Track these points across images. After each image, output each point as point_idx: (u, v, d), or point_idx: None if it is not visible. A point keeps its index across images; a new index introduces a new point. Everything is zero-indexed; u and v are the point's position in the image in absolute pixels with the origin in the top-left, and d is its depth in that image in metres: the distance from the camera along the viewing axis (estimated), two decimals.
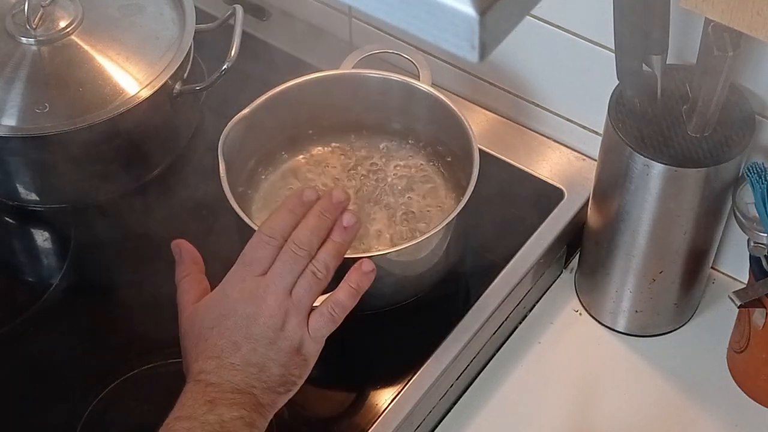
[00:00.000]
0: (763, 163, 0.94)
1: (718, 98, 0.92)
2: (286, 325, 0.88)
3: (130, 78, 1.08)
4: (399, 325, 1.05)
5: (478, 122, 1.20)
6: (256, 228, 0.98)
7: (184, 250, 0.96)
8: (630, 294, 1.07)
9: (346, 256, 0.99)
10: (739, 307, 0.96)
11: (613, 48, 0.92)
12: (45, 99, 1.06)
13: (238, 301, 0.88)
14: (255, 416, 0.84)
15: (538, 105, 1.19)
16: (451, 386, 1.04)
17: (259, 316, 0.87)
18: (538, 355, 1.09)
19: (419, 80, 1.11)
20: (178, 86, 1.11)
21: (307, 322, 0.89)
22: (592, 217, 1.08)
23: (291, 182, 1.10)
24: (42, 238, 1.15)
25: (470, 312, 1.04)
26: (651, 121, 0.96)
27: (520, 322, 1.11)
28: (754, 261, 0.98)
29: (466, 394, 1.06)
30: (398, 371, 1.01)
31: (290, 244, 0.89)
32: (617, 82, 0.96)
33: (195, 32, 1.12)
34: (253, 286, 0.88)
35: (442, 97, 1.09)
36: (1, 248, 1.15)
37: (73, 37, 1.09)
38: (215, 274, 1.10)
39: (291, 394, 0.89)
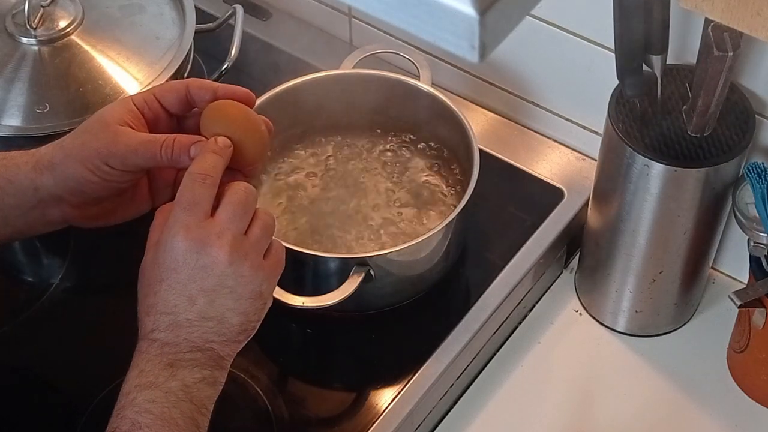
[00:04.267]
0: (763, 163, 0.94)
1: (718, 98, 0.92)
2: (244, 271, 0.81)
3: (130, 78, 1.08)
4: (399, 325, 1.05)
5: (478, 122, 1.20)
6: None
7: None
8: (630, 294, 1.07)
9: (346, 256, 1.00)
10: (739, 307, 0.96)
11: (613, 48, 0.92)
12: (45, 99, 1.06)
13: (187, 251, 0.80)
14: (217, 373, 0.81)
15: (538, 105, 1.19)
16: (451, 386, 1.04)
17: (214, 265, 0.80)
18: (538, 355, 1.09)
19: (419, 80, 1.11)
20: None
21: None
22: (592, 217, 1.08)
23: (291, 182, 1.10)
24: (42, 238, 1.15)
25: (470, 312, 1.04)
26: (651, 121, 0.96)
27: (520, 322, 1.11)
28: (754, 261, 0.98)
29: (466, 394, 1.06)
30: (398, 371, 1.01)
31: (237, 187, 0.82)
32: (617, 82, 0.96)
33: (195, 32, 1.12)
34: (203, 234, 0.80)
35: (442, 97, 1.09)
36: (1, 248, 1.15)
37: (73, 37, 1.09)
38: None
39: (248, 340, 0.85)
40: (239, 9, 1.15)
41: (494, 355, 1.09)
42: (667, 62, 0.94)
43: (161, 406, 0.78)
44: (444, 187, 1.10)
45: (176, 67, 1.09)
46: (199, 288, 0.80)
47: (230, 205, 0.81)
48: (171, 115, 0.90)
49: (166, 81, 1.08)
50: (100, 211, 0.92)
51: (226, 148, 0.85)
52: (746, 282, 1.03)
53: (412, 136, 1.13)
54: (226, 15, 1.17)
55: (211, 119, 0.88)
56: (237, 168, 0.89)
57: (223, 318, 0.81)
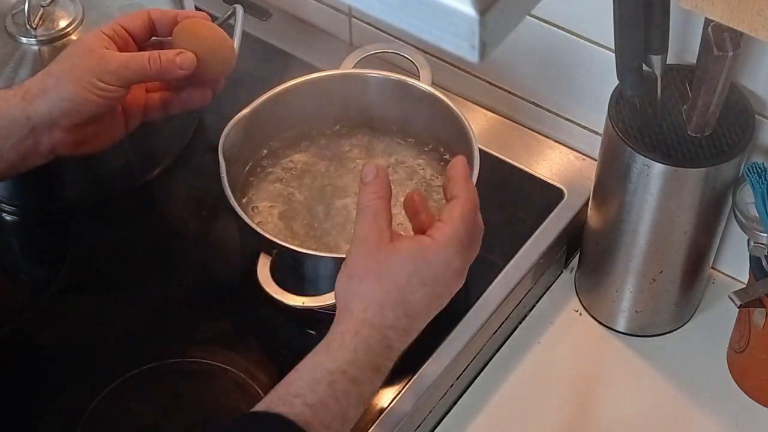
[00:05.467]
0: (763, 163, 0.94)
1: (718, 98, 0.92)
2: (458, 284, 0.86)
3: None
4: None
5: (478, 122, 1.20)
6: (256, 228, 0.98)
7: (381, 171, 0.88)
8: (630, 294, 1.07)
9: (344, 255, 0.99)
10: (739, 307, 0.96)
11: (613, 48, 0.92)
12: None
13: (455, 275, 0.84)
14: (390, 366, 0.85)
15: (538, 105, 1.19)
16: (451, 386, 1.04)
17: (453, 293, 0.86)
18: (538, 355, 1.09)
19: (419, 80, 1.11)
20: None
21: None
22: (592, 217, 1.08)
23: (291, 182, 1.10)
24: (42, 238, 1.15)
25: (470, 312, 1.04)
26: (651, 121, 0.96)
27: (520, 322, 1.11)
28: (754, 261, 0.98)
29: (466, 394, 1.06)
30: (398, 371, 1.01)
31: (467, 207, 0.87)
32: (617, 82, 0.96)
33: None
34: (465, 265, 0.86)
35: (442, 97, 1.09)
36: (1, 248, 1.15)
37: (73, 37, 1.09)
38: (216, 274, 1.11)
39: None
40: (239, 9, 1.15)
41: (494, 355, 1.09)
42: (667, 62, 0.94)
43: (350, 402, 0.80)
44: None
45: None
46: (437, 306, 0.85)
47: (471, 224, 0.86)
48: (136, 43, 0.99)
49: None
50: (86, 136, 0.98)
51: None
52: (746, 282, 1.03)
53: (411, 137, 1.13)
54: (226, 15, 1.16)
55: (181, 37, 0.98)
56: (203, 82, 1.01)
57: (420, 326, 0.85)
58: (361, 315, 0.82)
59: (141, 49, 1.00)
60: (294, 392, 0.79)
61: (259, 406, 0.79)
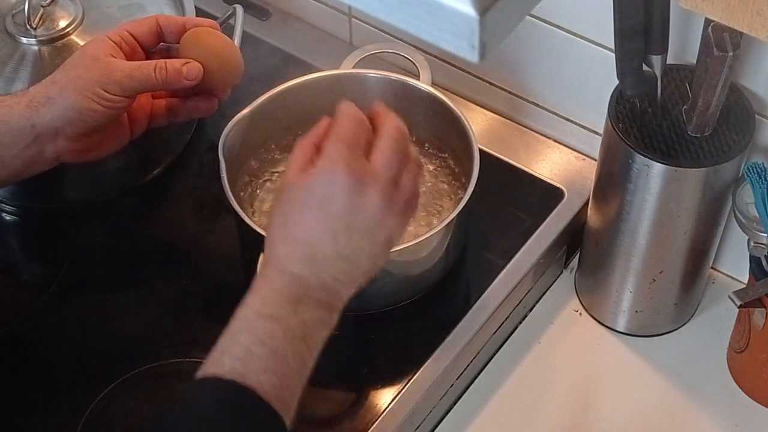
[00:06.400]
0: (763, 163, 0.94)
1: (718, 98, 0.92)
2: (389, 218, 0.81)
3: None
4: (399, 325, 1.05)
5: (478, 122, 1.20)
6: (256, 228, 0.98)
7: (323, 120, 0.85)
8: (630, 294, 1.07)
9: None
10: (739, 307, 0.96)
11: (613, 48, 0.92)
12: None
13: (344, 187, 0.79)
14: (334, 315, 0.81)
15: (538, 105, 1.19)
16: (451, 386, 1.04)
17: (365, 206, 0.80)
18: (538, 355, 1.09)
19: (419, 80, 1.11)
20: None
21: None
22: (592, 217, 1.08)
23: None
24: (42, 238, 1.15)
25: (470, 312, 1.04)
26: (651, 121, 0.96)
27: (520, 322, 1.11)
28: (754, 261, 0.98)
29: (466, 394, 1.06)
30: (398, 371, 1.01)
31: (394, 132, 0.82)
32: (617, 82, 0.96)
33: None
34: (363, 173, 0.80)
35: (442, 97, 1.09)
36: (1, 248, 1.15)
37: (73, 37, 1.09)
38: (216, 274, 1.10)
39: (365, 285, 0.84)
40: (239, 9, 1.15)
41: (494, 355, 1.09)
42: (667, 62, 0.94)
43: (277, 340, 0.77)
44: (444, 186, 1.10)
45: None
46: (344, 225, 0.80)
47: (388, 151, 0.81)
48: (143, 50, 0.98)
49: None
50: (90, 144, 0.97)
51: None
52: (746, 282, 1.03)
53: (411, 136, 1.13)
54: (226, 15, 1.16)
55: (189, 46, 0.97)
56: (210, 91, 1.01)
57: (356, 260, 0.81)
58: (264, 259, 0.82)
59: (148, 56, 1.00)
60: (220, 350, 0.77)
61: (197, 375, 0.77)
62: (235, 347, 0.77)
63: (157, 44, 1.00)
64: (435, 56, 1.19)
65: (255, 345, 0.76)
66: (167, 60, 0.96)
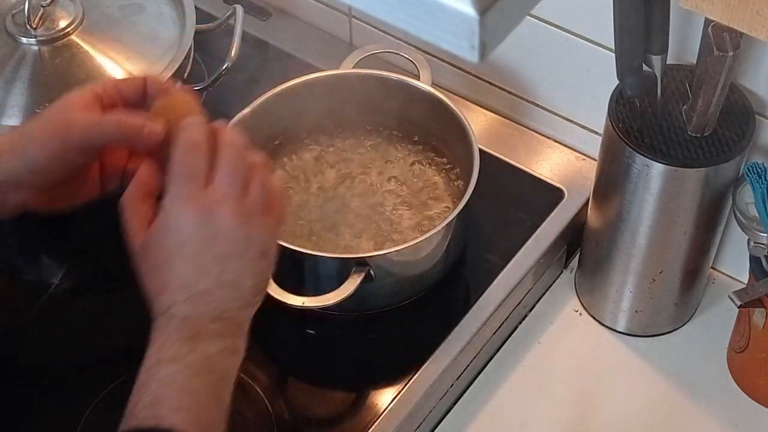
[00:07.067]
0: (763, 163, 0.94)
1: (718, 98, 0.92)
2: (250, 232, 0.81)
3: None
4: (399, 325, 1.05)
5: (478, 122, 1.20)
6: None
7: (140, 171, 0.87)
8: (630, 294, 1.07)
9: (346, 256, 1.00)
10: (739, 307, 0.96)
11: (613, 48, 0.92)
12: (45, 99, 1.06)
13: (194, 223, 0.80)
14: (237, 341, 0.81)
15: (538, 105, 1.19)
16: (451, 386, 1.04)
17: (222, 232, 0.80)
18: (538, 355, 1.09)
19: (419, 80, 1.11)
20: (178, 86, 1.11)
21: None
22: (592, 217, 1.08)
23: (291, 182, 1.10)
24: (42, 238, 1.15)
25: (470, 312, 1.04)
26: (651, 121, 0.96)
27: (520, 322, 1.11)
28: (754, 261, 0.98)
29: (466, 394, 1.06)
30: (398, 371, 1.01)
31: (231, 148, 0.82)
32: (617, 82, 0.96)
33: (195, 32, 1.12)
34: (206, 202, 0.80)
35: (442, 97, 1.09)
36: (1, 248, 1.15)
37: (73, 37, 1.09)
38: None
39: (262, 299, 0.84)
40: (239, 9, 1.15)
41: (494, 355, 1.09)
42: (667, 62, 0.94)
43: (182, 379, 0.78)
44: (444, 186, 1.10)
45: (176, 67, 1.09)
46: (210, 257, 0.80)
47: (228, 169, 0.81)
48: (127, 107, 0.92)
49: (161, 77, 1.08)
50: (56, 196, 0.93)
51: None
52: (746, 282, 1.03)
53: (411, 137, 1.13)
54: (226, 15, 1.17)
55: (160, 110, 0.91)
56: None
57: (238, 283, 0.81)
58: (155, 309, 0.83)
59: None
60: (133, 404, 0.79)
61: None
62: (145, 397, 0.78)
63: (142, 103, 0.93)
64: (435, 56, 1.19)
65: (162, 389, 0.78)
66: (129, 115, 0.90)
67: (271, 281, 0.97)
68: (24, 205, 0.93)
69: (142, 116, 0.88)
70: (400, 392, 0.99)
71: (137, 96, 0.92)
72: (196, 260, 0.80)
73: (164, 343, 0.80)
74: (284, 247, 0.98)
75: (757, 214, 0.95)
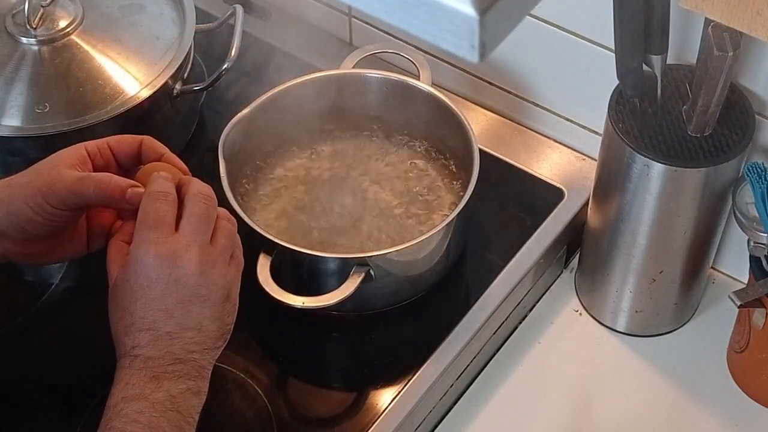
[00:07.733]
0: (763, 163, 0.94)
1: (718, 98, 0.92)
2: (214, 278, 0.84)
3: (130, 78, 1.08)
4: (399, 325, 1.05)
5: (478, 122, 1.20)
6: (256, 228, 0.99)
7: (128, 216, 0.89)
8: (630, 294, 1.07)
9: (346, 256, 0.99)
10: (739, 307, 0.96)
11: (613, 48, 0.92)
12: (45, 99, 1.07)
13: (159, 266, 0.83)
14: (200, 383, 0.83)
15: (538, 105, 1.19)
16: (451, 386, 1.04)
17: (186, 277, 0.83)
18: (538, 355, 1.09)
19: (419, 80, 1.11)
20: (178, 86, 1.11)
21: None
22: (592, 217, 1.08)
23: (291, 182, 1.11)
24: None
25: (470, 312, 1.04)
26: (651, 121, 0.96)
27: (520, 322, 1.11)
28: (754, 261, 0.98)
29: (466, 394, 1.06)
30: (398, 371, 1.01)
31: (198, 198, 0.86)
32: (617, 82, 0.96)
33: (195, 32, 1.12)
34: (172, 248, 0.83)
35: (442, 97, 1.09)
36: None
37: (73, 37, 1.09)
38: None
39: (226, 343, 0.87)
40: (239, 9, 1.15)
41: (494, 355, 1.09)
42: (667, 62, 0.94)
43: (149, 415, 0.80)
44: (444, 187, 1.10)
45: (176, 67, 1.09)
46: (174, 301, 0.83)
47: (193, 218, 0.85)
48: (119, 167, 0.93)
49: (166, 82, 1.08)
50: (39, 249, 0.93)
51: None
52: (746, 282, 1.03)
53: (411, 137, 1.13)
54: (226, 15, 1.17)
55: (144, 176, 0.90)
56: None
57: (201, 326, 0.84)
58: (119, 349, 0.86)
59: (125, 174, 0.93)
60: None
61: None
62: None
63: (135, 165, 0.94)
64: (435, 56, 1.19)
65: (129, 425, 0.79)
66: (113, 176, 0.90)
67: (272, 281, 0.98)
68: (6, 256, 0.93)
69: (127, 180, 0.89)
70: (400, 392, 0.99)
71: (132, 157, 0.93)
72: (160, 303, 0.83)
73: (128, 381, 0.82)
74: (284, 247, 0.98)
75: (757, 214, 0.95)
